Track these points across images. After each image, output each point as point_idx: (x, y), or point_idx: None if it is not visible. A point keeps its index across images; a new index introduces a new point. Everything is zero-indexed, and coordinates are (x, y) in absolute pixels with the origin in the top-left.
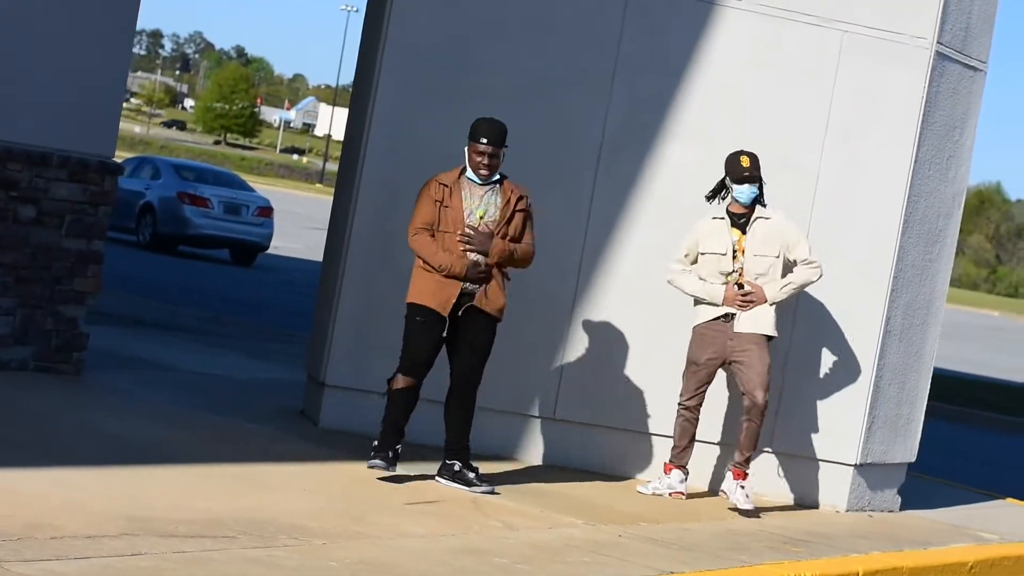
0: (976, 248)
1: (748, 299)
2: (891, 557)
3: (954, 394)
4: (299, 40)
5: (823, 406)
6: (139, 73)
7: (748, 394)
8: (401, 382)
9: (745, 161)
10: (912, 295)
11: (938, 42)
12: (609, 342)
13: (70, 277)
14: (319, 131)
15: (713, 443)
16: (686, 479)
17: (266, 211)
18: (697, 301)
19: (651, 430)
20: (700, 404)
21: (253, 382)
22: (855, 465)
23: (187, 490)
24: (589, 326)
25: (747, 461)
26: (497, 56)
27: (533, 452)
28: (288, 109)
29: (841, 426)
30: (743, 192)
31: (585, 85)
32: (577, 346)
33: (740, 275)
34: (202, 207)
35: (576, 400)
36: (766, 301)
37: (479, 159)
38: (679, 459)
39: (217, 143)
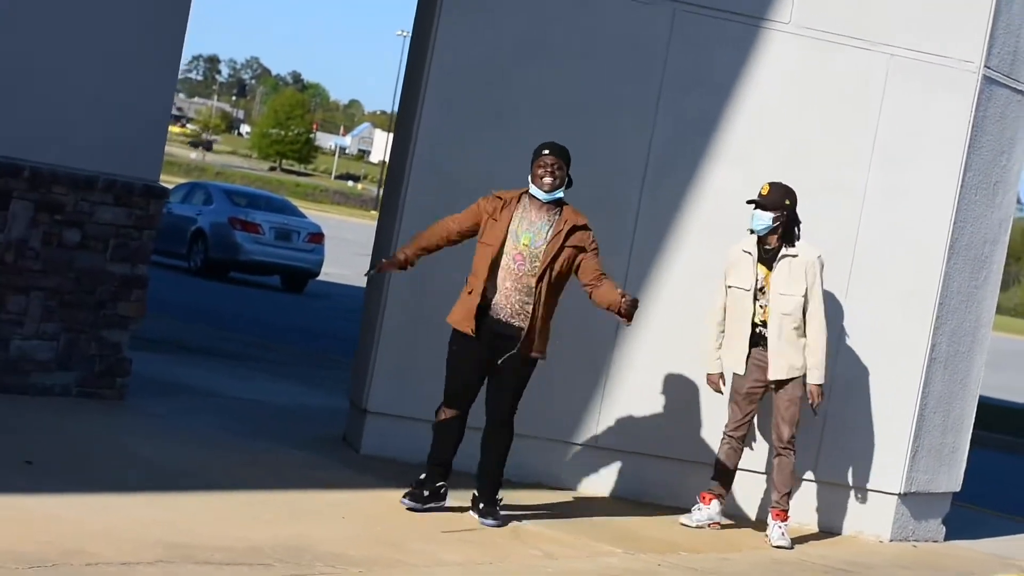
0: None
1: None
2: None
3: (1001, 423)
4: (355, 66)
5: (867, 434)
6: (196, 99)
7: (775, 428)
8: (445, 413)
9: (764, 189)
10: (958, 322)
11: (985, 66)
12: (653, 368)
13: (114, 302)
14: (374, 157)
15: (759, 472)
16: (723, 508)
17: (317, 237)
18: (725, 343)
19: (694, 458)
20: (745, 435)
21: (297, 408)
22: (899, 494)
23: (225, 517)
24: (632, 351)
25: (785, 498)
26: (541, 77)
27: (573, 480)
28: (343, 135)
29: (885, 455)
30: (753, 219)
31: (630, 107)
32: (620, 372)
33: (766, 313)
34: (253, 233)
35: (618, 427)
36: (820, 394)
37: (542, 170)
38: (719, 489)
39: (272, 169)
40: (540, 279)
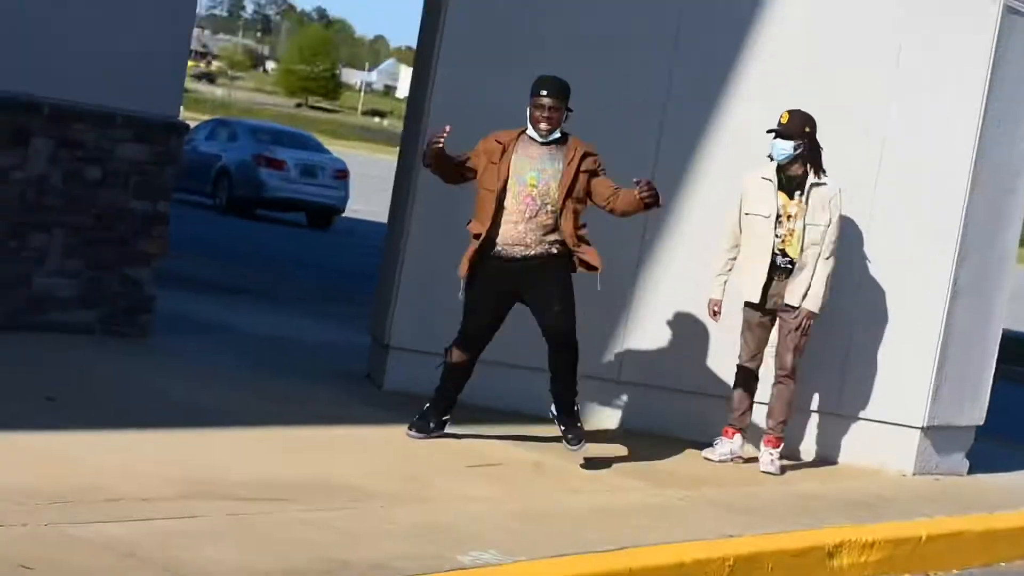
0: None
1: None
2: (957, 521)
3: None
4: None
5: (889, 368)
6: (220, 35)
7: (778, 355)
8: (455, 355)
9: (784, 117)
10: (981, 254)
11: None
12: (674, 304)
13: (136, 238)
14: (400, 93)
15: (762, 403)
16: (745, 441)
17: (342, 174)
18: (740, 270)
19: (718, 392)
20: (760, 364)
21: (321, 345)
22: (922, 428)
23: (246, 453)
24: (654, 288)
25: (780, 425)
26: (562, 13)
27: (596, 415)
28: (369, 71)
29: (908, 388)
30: (774, 147)
31: (648, 46)
32: (641, 308)
33: (784, 242)
34: (278, 170)
35: (640, 362)
36: (810, 319)
37: (539, 113)
38: (739, 422)
39: (299, 106)
40: (562, 209)
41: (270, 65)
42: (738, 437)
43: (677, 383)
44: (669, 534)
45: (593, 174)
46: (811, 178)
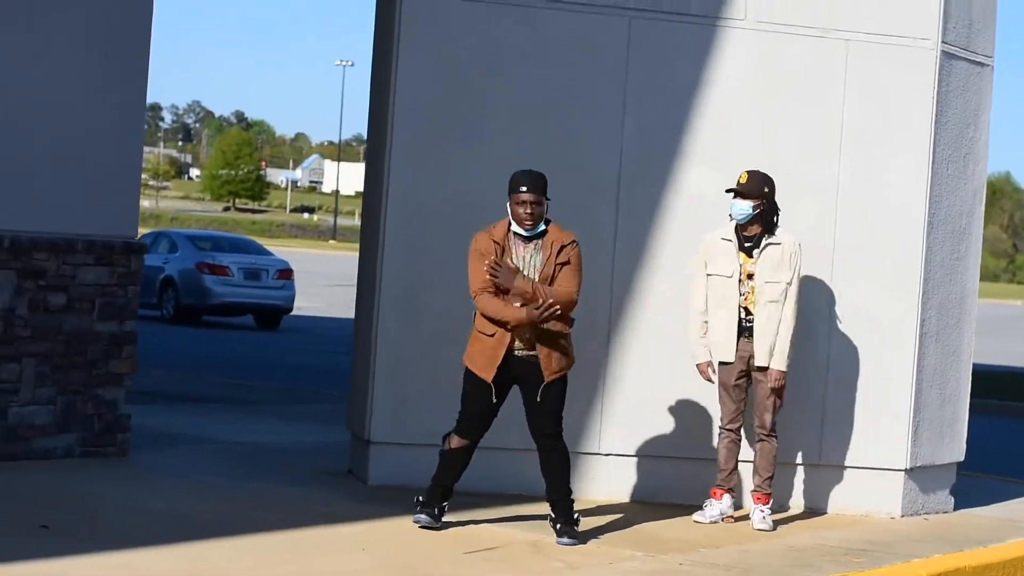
0: (992, 239)
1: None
2: (952, 559)
3: (996, 389)
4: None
5: (868, 415)
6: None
7: (758, 416)
8: (456, 442)
9: (743, 177)
10: (944, 295)
11: (943, 41)
12: (647, 372)
13: (106, 360)
14: (326, 187)
15: (747, 461)
16: (735, 501)
17: (286, 273)
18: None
19: (701, 455)
20: (741, 425)
21: (295, 446)
22: (905, 470)
23: (244, 562)
24: (625, 358)
25: (767, 482)
26: (506, 93)
27: (584, 489)
28: (293, 169)
29: (887, 433)
30: (733, 207)
31: (597, 116)
32: (615, 379)
33: (747, 300)
34: (222, 275)
35: (621, 433)
36: (782, 379)
37: (521, 209)
38: (727, 483)
39: (227, 209)
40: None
41: (194, 172)
42: (727, 497)
43: (660, 450)
44: None
45: (566, 263)
46: (766, 237)
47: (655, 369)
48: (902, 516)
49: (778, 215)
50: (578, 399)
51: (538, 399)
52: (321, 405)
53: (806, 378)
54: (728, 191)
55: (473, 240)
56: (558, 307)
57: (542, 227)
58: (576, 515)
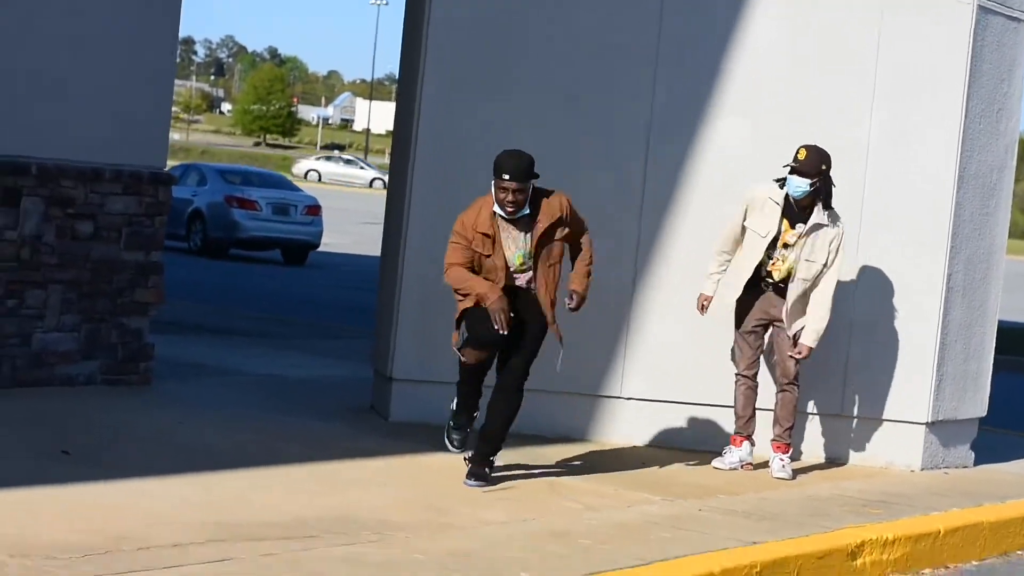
0: (1022, 196)
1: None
2: (971, 513)
3: (1021, 345)
4: (331, 37)
5: (891, 368)
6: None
7: (781, 363)
8: (470, 356)
9: (801, 153)
10: (972, 250)
11: None
12: (670, 319)
13: (131, 289)
14: (357, 126)
15: (767, 409)
16: (753, 448)
17: (314, 209)
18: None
19: (722, 402)
20: (758, 372)
21: (318, 380)
22: (927, 423)
23: (266, 493)
24: (649, 304)
25: (787, 432)
26: (539, 43)
27: (605, 432)
28: (325, 106)
29: (910, 386)
30: (790, 183)
31: (630, 66)
32: (639, 324)
33: (773, 265)
34: (250, 210)
35: (643, 377)
36: (808, 354)
37: (503, 196)
38: (745, 429)
39: (257, 144)
40: (548, 281)
41: (226, 107)
42: (746, 444)
43: (682, 396)
44: (692, 545)
45: (559, 226)
46: (816, 216)
47: (679, 315)
48: (922, 469)
49: (832, 193)
50: (601, 343)
51: (529, 330)
52: (346, 341)
53: (831, 329)
54: (785, 166)
55: (458, 221)
56: (583, 296)
57: (526, 211)
58: (494, 461)
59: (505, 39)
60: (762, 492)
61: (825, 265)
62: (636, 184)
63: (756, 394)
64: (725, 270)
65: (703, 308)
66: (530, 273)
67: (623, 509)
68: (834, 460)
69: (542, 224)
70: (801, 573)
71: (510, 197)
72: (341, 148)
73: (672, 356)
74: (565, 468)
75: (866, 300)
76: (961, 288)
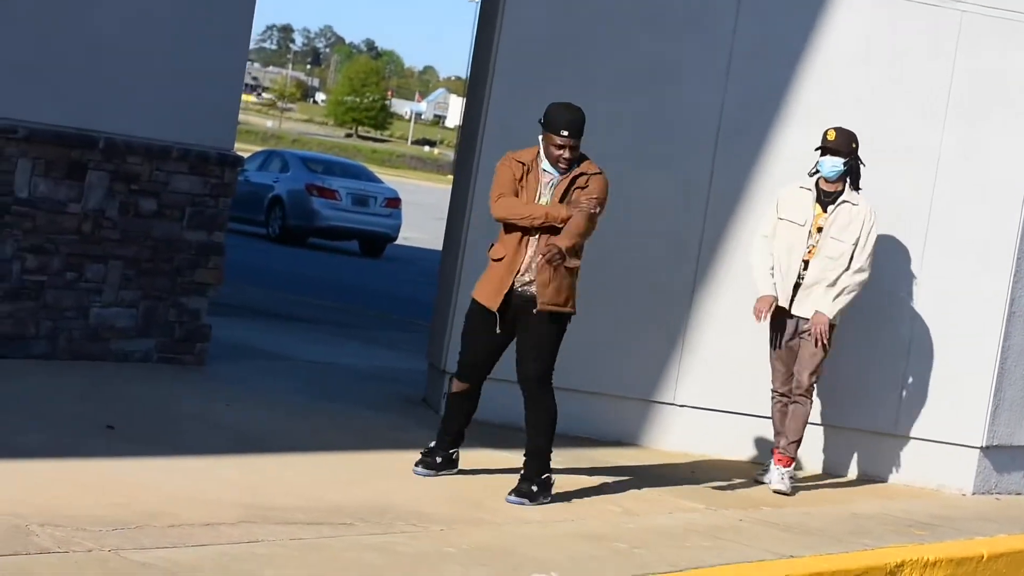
0: None
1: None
2: (1016, 540)
3: None
4: (428, 32)
5: (947, 389)
6: (271, 68)
7: (796, 374)
8: (456, 386)
9: (831, 134)
10: None
11: None
12: (729, 326)
13: (192, 269)
14: (450, 122)
15: (818, 424)
16: (798, 463)
17: (394, 202)
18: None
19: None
20: (791, 388)
21: (376, 371)
22: (981, 448)
23: (305, 478)
24: (709, 310)
25: (793, 445)
26: (611, 44)
27: (654, 438)
28: (419, 101)
29: (966, 408)
30: (823, 164)
31: (701, 74)
32: (697, 330)
33: (811, 253)
34: (330, 199)
35: (697, 385)
36: (825, 326)
37: (558, 152)
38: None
39: (349, 136)
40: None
41: (320, 96)
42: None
43: (735, 406)
44: (728, 555)
45: (582, 188)
46: (844, 195)
47: (737, 323)
48: (973, 493)
49: (860, 173)
50: (657, 347)
51: (525, 332)
52: (410, 334)
53: (890, 345)
54: (816, 148)
55: (501, 160)
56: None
57: (575, 169)
58: (546, 477)
59: (577, 37)
60: (806, 507)
61: (855, 244)
62: (702, 189)
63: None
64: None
65: (765, 312)
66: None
67: (664, 515)
68: (884, 479)
69: (569, 176)
70: None
71: (566, 154)
72: (432, 144)
73: (728, 365)
74: (611, 472)
75: (926, 318)
76: (1023, 313)
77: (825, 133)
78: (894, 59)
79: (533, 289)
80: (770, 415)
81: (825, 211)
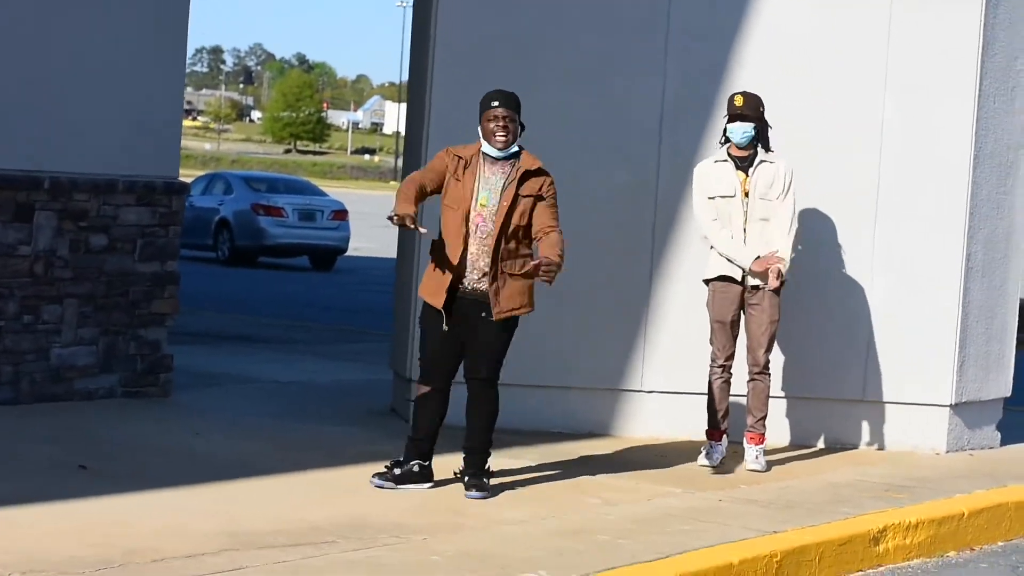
0: None
1: (776, 274)
2: (995, 494)
3: None
4: (359, 41)
5: (913, 350)
6: (203, 91)
7: (751, 352)
8: (420, 389)
9: (739, 100)
10: (990, 230)
11: None
12: (689, 311)
13: (148, 300)
14: (387, 129)
15: (783, 397)
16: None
17: (341, 214)
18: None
19: (740, 392)
20: (733, 359)
21: (340, 385)
22: (950, 405)
23: (283, 501)
24: (668, 297)
25: (761, 422)
26: (549, 44)
27: (624, 426)
28: (354, 111)
29: (932, 368)
30: (735, 131)
31: (640, 63)
32: (658, 316)
33: (747, 219)
34: (277, 217)
35: (663, 370)
36: (784, 262)
37: (492, 125)
38: (724, 422)
39: (288, 152)
40: (499, 235)
41: (255, 115)
42: (724, 437)
43: (702, 388)
44: (711, 537)
45: (539, 198)
46: (759, 155)
47: (697, 307)
48: (947, 452)
49: (769, 132)
50: (621, 336)
51: (479, 335)
52: (369, 344)
53: (851, 313)
54: (725, 116)
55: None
56: (555, 265)
57: (514, 148)
58: (489, 468)
59: (513, 35)
60: (783, 481)
61: (778, 198)
62: (651, 176)
63: (730, 385)
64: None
65: (767, 269)
66: (484, 228)
67: (643, 503)
68: (856, 446)
69: (526, 165)
70: (823, 561)
71: (500, 123)
72: (372, 152)
73: (691, 348)
74: (584, 464)
75: (884, 283)
76: (981, 268)
77: (732, 98)
78: (830, 28)
79: (484, 288)
80: (736, 392)
81: (747, 174)
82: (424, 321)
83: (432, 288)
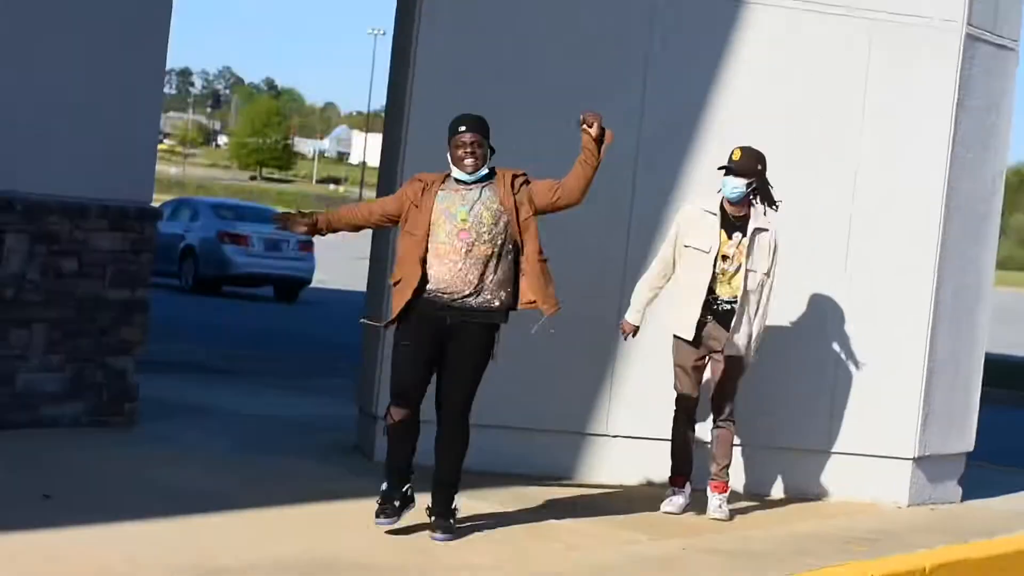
0: (1020, 228)
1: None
2: (957, 550)
3: (1009, 378)
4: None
5: (877, 402)
6: (171, 113)
7: (714, 399)
8: (394, 415)
9: (736, 154)
10: (959, 281)
11: (968, 24)
12: (658, 354)
13: (116, 328)
14: (353, 159)
15: (746, 445)
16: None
17: (307, 245)
18: (672, 303)
19: (706, 439)
20: (697, 404)
21: (304, 418)
22: (913, 459)
23: (249, 536)
24: (635, 343)
25: (724, 470)
26: (528, 73)
27: (590, 471)
28: (321, 139)
29: (896, 420)
30: (725, 184)
31: (618, 94)
32: (626, 360)
33: (716, 280)
34: (243, 245)
35: (629, 415)
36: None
37: (462, 152)
38: (688, 468)
39: (253, 178)
40: (512, 227)
41: (222, 140)
42: (688, 485)
43: (667, 433)
44: None
45: (525, 183)
46: (754, 221)
47: (664, 352)
48: (909, 505)
49: (771, 192)
50: (587, 380)
51: (458, 358)
52: (334, 379)
53: (816, 361)
54: (720, 168)
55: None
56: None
57: (485, 170)
58: (455, 508)
59: (495, 67)
60: (747, 530)
61: (767, 274)
62: (623, 213)
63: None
64: (655, 299)
65: (630, 334)
66: (469, 239)
67: (608, 549)
68: (820, 496)
69: (510, 173)
70: None
71: (468, 149)
72: (337, 182)
73: (657, 392)
74: (550, 508)
75: (851, 329)
76: (948, 319)
77: (731, 152)
78: (808, 70)
79: (473, 303)
80: (703, 439)
81: (730, 238)
82: (404, 344)
83: (398, 300)
